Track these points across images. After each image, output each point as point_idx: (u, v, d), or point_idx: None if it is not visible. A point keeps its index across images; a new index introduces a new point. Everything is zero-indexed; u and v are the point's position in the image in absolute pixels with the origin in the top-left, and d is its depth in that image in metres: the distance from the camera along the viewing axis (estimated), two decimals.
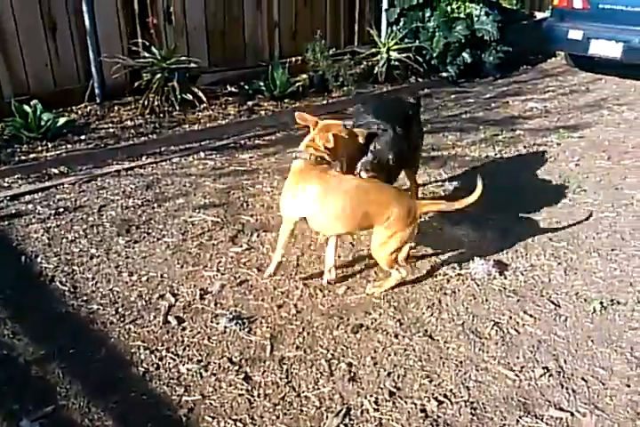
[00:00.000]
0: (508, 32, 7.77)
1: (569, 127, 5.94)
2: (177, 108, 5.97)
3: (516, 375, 2.67)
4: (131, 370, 2.68)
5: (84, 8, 5.80)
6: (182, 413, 2.45)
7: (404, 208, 3.01)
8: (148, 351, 2.79)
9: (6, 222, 3.98)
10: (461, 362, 2.75)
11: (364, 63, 7.56)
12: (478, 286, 3.32)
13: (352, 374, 2.66)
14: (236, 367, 2.70)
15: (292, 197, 3.10)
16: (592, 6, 7.56)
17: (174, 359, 2.74)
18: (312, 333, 2.94)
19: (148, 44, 6.11)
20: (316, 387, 2.59)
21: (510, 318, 3.07)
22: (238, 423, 2.40)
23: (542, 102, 6.83)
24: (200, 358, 2.76)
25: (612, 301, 3.18)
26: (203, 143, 5.45)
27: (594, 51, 7.55)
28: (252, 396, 2.54)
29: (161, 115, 5.92)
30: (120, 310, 3.10)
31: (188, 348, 2.82)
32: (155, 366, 2.70)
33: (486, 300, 3.20)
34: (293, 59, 7.23)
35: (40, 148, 5.18)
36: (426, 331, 2.95)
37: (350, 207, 3.00)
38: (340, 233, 3.27)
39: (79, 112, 5.96)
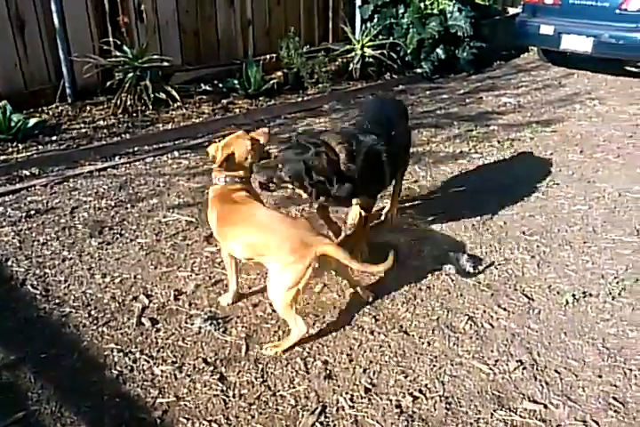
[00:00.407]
0: (481, 28, 7.83)
1: (542, 122, 6.01)
2: (150, 107, 5.90)
3: (491, 369, 2.69)
4: (104, 373, 2.65)
5: (53, 7, 5.71)
6: (157, 415, 2.43)
7: (294, 244, 2.64)
8: (121, 354, 2.76)
9: None
10: (436, 357, 2.76)
11: (339, 60, 7.57)
12: (453, 280, 3.34)
13: (328, 372, 2.66)
14: (211, 368, 2.68)
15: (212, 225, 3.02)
16: (563, 2, 7.65)
17: (148, 361, 2.71)
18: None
19: (119, 42, 6.03)
20: (291, 386, 2.59)
21: (484, 312, 3.09)
22: (213, 424, 2.39)
23: (516, 97, 6.89)
24: (174, 359, 2.74)
25: (584, 293, 3.22)
26: (177, 142, 5.40)
27: (565, 45, 7.64)
28: (227, 396, 2.53)
29: (134, 114, 5.85)
30: (93, 312, 3.06)
31: (162, 349, 2.79)
32: (128, 368, 2.67)
33: (461, 294, 3.22)
34: (268, 56, 7.21)
35: (10, 149, 5.09)
36: (401, 327, 2.96)
37: (238, 236, 2.82)
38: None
39: (50, 112, 5.87)
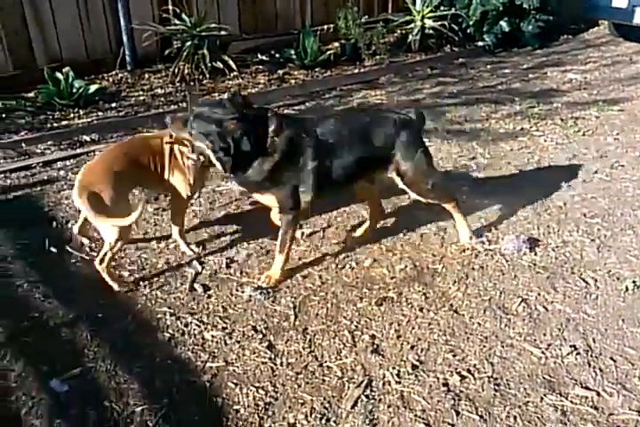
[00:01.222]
0: (548, 0, 7.46)
1: (609, 100, 5.72)
2: (207, 76, 5.94)
3: (543, 353, 2.63)
4: (156, 335, 2.72)
5: None
6: (206, 378, 2.48)
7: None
8: (173, 318, 2.83)
9: (39, 188, 4.05)
10: (486, 338, 2.71)
11: (398, 31, 7.39)
12: (507, 261, 3.25)
13: (375, 346, 2.66)
14: (260, 336, 2.72)
15: None
16: None
17: (199, 326, 2.77)
18: (336, 304, 2.93)
19: (178, 10, 6.05)
20: (338, 357, 2.60)
21: (539, 294, 3.01)
22: (260, 391, 2.42)
23: (582, 74, 6.58)
24: (225, 325, 2.78)
25: None
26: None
27: (639, 19, 7.20)
28: (275, 364, 2.56)
29: (191, 83, 5.90)
30: (147, 276, 3.13)
31: (212, 315, 2.85)
32: (180, 332, 2.74)
33: (515, 276, 3.14)
34: (325, 26, 7.10)
35: (72, 115, 5.23)
36: (451, 305, 2.92)
37: None
38: None
39: (110, 80, 5.98)
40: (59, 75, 5.37)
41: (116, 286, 2.99)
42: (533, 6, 7.18)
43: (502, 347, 2.66)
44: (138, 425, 2.27)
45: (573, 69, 6.75)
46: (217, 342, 2.68)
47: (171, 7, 6.10)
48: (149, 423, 2.27)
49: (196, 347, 2.65)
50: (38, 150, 4.63)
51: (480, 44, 7.43)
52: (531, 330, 2.76)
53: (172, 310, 2.87)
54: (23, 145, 4.66)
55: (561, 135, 4.93)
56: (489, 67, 6.90)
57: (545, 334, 2.74)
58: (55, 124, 5.06)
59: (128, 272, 3.16)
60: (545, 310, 2.90)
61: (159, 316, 2.84)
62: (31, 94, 5.51)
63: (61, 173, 4.27)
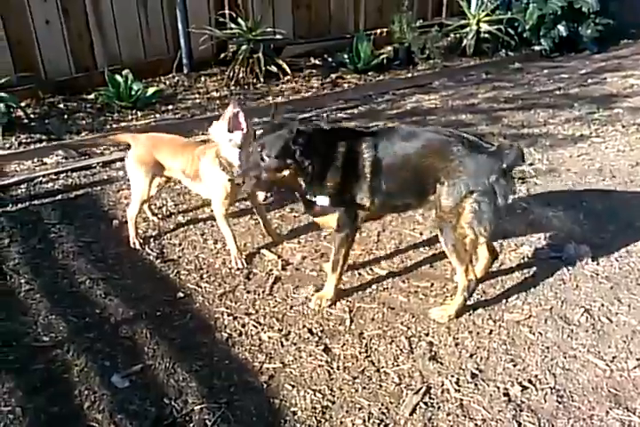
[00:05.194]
0: (608, 3, 7.26)
1: None
2: (261, 79, 6.00)
3: (607, 365, 2.54)
4: (214, 335, 2.75)
5: None
6: (263, 379, 2.49)
7: None
8: (231, 318, 2.85)
9: (99, 187, 4.16)
10: (548, 348, 2.64)
11: (452, 35, 7.32)
12: (569, 270, 3.16)
13: (433, 353, 2.62)
14: (316, 339, 2.71)
15: None
16: None
17: (256, 327, 2.79)
18: (392, 309, 2.91)
19: (234, 15, 6.14)
20: (395, 363, 2.57)
21: (602, 305, 2.91)
22: (318, 394, 2.41)
23: None
24: (281, 327, 2.79)
25: None
26: (286, 116, 5.44)
27: None
28: (332, 368, 2.55)
29: (245, 86, 5.98)
30: (204, 276, 3.17)
31: (269, 316, 2.86)
32: (237, 332, 2.76)
33: (577, 285, 3.05)
34: (378, 31, 7.09)
35: (130, 116, 5.36)
36: (511, 314, 2.85)
37: None
38: None
39: (167, 82, 6.12)
40: (118, 77, 5.51)
41: None
42: (593, 10, 7.01)
43: (565, 358, 2.58)
44: (196, 424, 2.29)
45: (635, 75, 6.54)
46: (274, 343, 2.69)
47: (227, 11, 6.20)
48: (207, 422, 2.29)
49: (253, 348, 2.67)
50: (98, 151, 4.76)
51: (536, 48, 7.29)
52: (594, 342, 2.68)
53: (229, 311, 2.90)
54: None
55: (623, 142, 4.78)
56: (546, 71, 6.75)
57: (610, 347, 2.65)
58: (114, 126, 5.19)
59: (186, 271, 3.21)
60: (609, 321, 2.81)
61: (217, 316, 2.87)
62: (91, 96, 5.68)
63: (120, 173, 4.37)
